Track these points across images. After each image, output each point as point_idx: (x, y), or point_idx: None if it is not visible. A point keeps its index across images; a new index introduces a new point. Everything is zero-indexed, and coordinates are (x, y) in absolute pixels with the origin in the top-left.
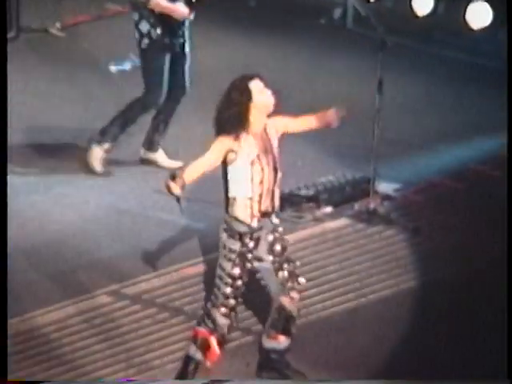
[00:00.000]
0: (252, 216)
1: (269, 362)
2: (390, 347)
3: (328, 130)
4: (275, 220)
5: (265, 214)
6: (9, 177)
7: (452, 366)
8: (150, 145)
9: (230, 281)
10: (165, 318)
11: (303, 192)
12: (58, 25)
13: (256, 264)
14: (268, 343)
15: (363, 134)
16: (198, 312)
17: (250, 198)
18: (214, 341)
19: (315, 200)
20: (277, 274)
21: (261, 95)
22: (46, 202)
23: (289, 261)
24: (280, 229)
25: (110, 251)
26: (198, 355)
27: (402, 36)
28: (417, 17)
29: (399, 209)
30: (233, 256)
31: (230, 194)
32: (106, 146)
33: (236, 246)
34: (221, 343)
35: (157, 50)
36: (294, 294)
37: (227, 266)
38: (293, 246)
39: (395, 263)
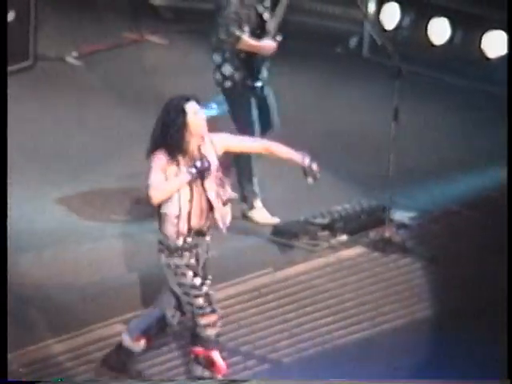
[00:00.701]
0: (178, 234)
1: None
2: (405, 377)
3: (343, 157)
4: (208, 239)
5: (198, 232)
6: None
7: None
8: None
9: (196, 292)
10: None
11: (318, 220)
12: (74, 53)
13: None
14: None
15: (379, 162)
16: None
17: (177, 216)
18: (216, 355)
19: (330, 228)
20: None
21: (195, 116)
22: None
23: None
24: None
25: (123, 279)
26: (207, 374)
27: (418, 64)
28: (433, 45)
29: (415, 237)
30: (183, 270)
31: (162, 210)
32: (258, 202)
33: (181, 260)
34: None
35: (240, 92)
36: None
37: (184, 280)
38: (308, 274)
39: (410, 292)
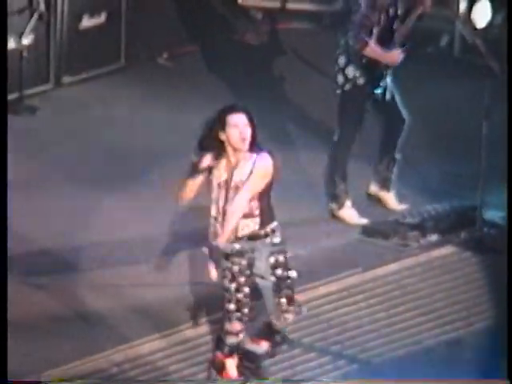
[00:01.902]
0: (215, 235)
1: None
2: (496, 377)
3: (434, 157)
4: (276, 241)
5: (250, 237)
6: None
7: None
8: (383, 183)
9: (229, 296)
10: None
11: (408, 220)
12: (165, 55)
13: (258, 280)
14: (250, 345)
15: (470, 162)
16: None
17: (215, 218)
18: (229, 363)
19: (421, 228)
20: (274, 296)
21: (234, 130)
22: None
23: (290, 287)
24: (287, 253)
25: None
26: (218, 379)
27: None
28: None
29: (506, 237)
30: (226, 273)
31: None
32: (348, 202)
33: (227, 264)
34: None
35: (358, 97)
36: (289, 315)
37: (225, 282)
38: (398, 274)
39: (502, 292)
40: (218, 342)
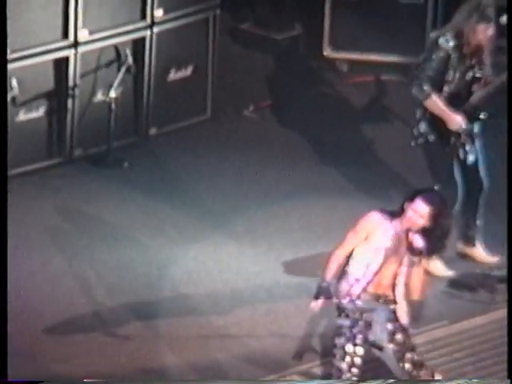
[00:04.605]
0: (349, 294)
1: None
2: None
3: None
4: (395, 308)
5: (376, 296)
6: None
7: None
8: (467, 239)
9: (343, 355)
10: None
11: (496, 272)
12: (251, 107)
13: (377, 352)
14: None
15: None
16: None
17: (357, 280)
18: None
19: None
20: (399, 363)
21: (414, 215)
22: None
23: (412, 349)
24: (403, 320)
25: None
26: None
27: None
28: None
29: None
30: (343, 331)
31: (346, 267)
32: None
33: (345, 322)
34: None
35: (434, 151)
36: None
37: (337, 340)
38: (485, 327)
39: None
40: None
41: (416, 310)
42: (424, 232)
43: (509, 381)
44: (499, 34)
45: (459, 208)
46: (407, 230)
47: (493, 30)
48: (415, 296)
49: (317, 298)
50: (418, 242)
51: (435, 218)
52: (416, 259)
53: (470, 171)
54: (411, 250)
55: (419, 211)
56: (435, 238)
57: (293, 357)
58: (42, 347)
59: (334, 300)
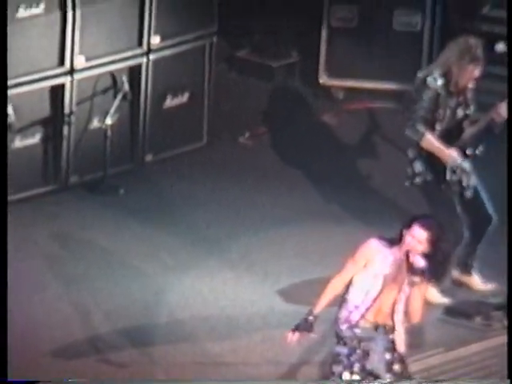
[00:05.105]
0: (348, 321)
1: None
2: None
3: None
4: (394, 338)
5: (375, 326)
6: None
7: None
8: (464, 268)
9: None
10: None
11: (492, 299)
12: (247, 134)
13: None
14: None
15: None
16: None
17: (356, 307)
18: None
19: (504, 307)
20: None
21: (412, 240)
22: None
23: (409, 377)
24: (401, 349)
25: None
26: None
27: None
28: None
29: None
30: (341, 358)
31: (345, 294)
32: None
33: (343, 349)
34: None
35: (432, 191)
36: None
37: (335, 368)
38: (481, 354)
39: None
40: None
41: (414, 336)
42: (425, 257)
43: (509, 381)
44: (494, 63)
45: (464, 241)
46: (407, 252)
47: (480, 71)
48: (415, 319)
49: (295, 330)
50: (419, 261)
51: (434, 242)
52: (417, 279)
53: (471, 206)
54: (412, 270)
55: (417, 237)
56: (437, 263)
57: None
58: (38, 372)
59: (335, 327)
